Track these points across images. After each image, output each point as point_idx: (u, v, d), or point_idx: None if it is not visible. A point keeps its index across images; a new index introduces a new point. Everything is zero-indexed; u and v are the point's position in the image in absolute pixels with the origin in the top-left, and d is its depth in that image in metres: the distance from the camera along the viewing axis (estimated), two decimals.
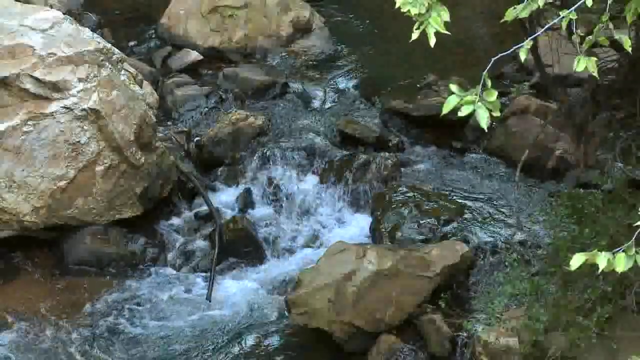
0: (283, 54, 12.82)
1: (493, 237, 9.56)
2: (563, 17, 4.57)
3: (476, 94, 4.42)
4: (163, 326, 9.16)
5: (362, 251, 8.91)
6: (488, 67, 4.46)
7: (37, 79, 9.35)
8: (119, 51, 10.07)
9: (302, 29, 13.13)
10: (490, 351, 7.81)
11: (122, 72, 9.92)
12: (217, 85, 11.97)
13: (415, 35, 4.59)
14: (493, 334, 7.84)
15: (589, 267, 4.47)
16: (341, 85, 12.12)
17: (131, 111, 9.73)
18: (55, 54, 9.44)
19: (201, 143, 10.89)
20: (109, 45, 9.92)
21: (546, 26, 4.83)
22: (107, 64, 9.69)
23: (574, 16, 4.56)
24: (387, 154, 10.68)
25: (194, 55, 12.52)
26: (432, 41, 4.54)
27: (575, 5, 4.55)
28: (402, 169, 10.60)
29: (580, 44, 4.65)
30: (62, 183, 9.52)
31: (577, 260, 4.43)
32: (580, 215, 7.82)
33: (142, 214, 10.00)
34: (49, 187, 9.49)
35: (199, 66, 12.47)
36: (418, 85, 11.75)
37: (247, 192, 10.49)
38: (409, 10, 4.53)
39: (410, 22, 4.61)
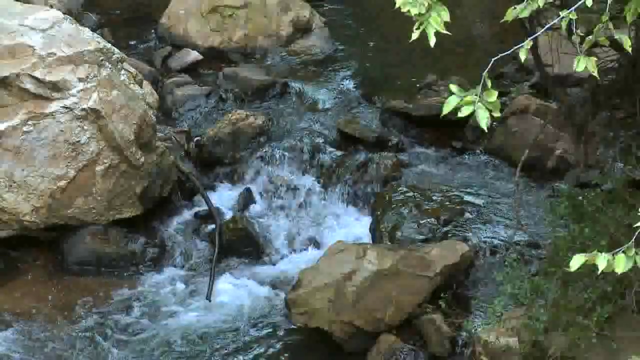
0: (283, 54, 12.83)
1: (493, 237, 9.56)
2: (563, 17, 4.57)
3: (476, 94, 4.42)
4: (163, 326, 9.16)
5: (362, 251, 8.91)
6: (488, 68, 4.46)
7: (37, 78, 9.35)
8: (119, 51, 10.07)
9: (302, 29, 13.13)
10: (490, 351, 7.81)
11: (122, 72, 9.92)
12: (217, 85, 11.97)
13: (415, 35, 4.59)
14: (493, 334, 7.83)
15: (589, 267, 4.46)
16: (341, 85, 12.12)
17: (131, 111, 9.73)
18: (55, 54, 9.44)
19: (201, 143, 10.89)
20: (109, 45, 9.93)
21: (546, 26, 4.82)
22: (107, 63, 9.70)
23: (574, 16, 4.56)
24: (387, 154, 10.68)
25: (194, 55, 12.53)
26: (432, 41, 4.54)
27: (575, 5, 4.55)
28: (402, 169, 10.60)
29: (580, 44, 4.65)
30: (62, 183, 9.52)
31: (576, 261, 4.43)
32: (580, 215, 7.81)
33: (142, 213, 10.00)
34: (48, 187, 9.50)
35: (199, 66, 12.48)
36: (418, 85, 11.75)
37: (247, 192, 10.49)
38: (409, 10, 4.52)
39: (410, 22, 4.61)
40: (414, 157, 10.91)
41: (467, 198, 10.15)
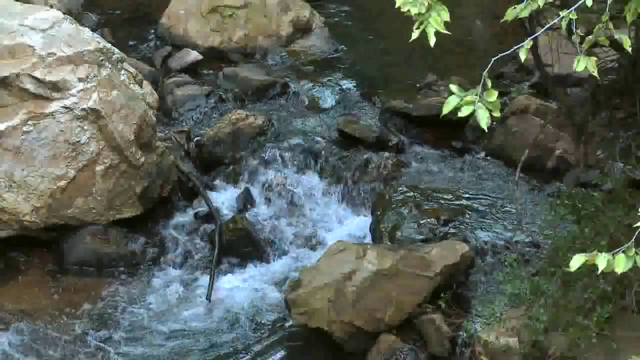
0: (283, 54, 12.82)
1: (493, 237, 9.55)
2: (563, 17, 4.58)
3: (476, 94, 4.42)
4: (163, 326, 9.16)
5: (362, 251, 8.91)
6: (488, 68, 4.46)
7: (37, 78, 9.35)
8: (119, 51, 10.07)
9: (302, 29, 13.13)
10: (490, 351, 7.81)
11: (122, 72, 9.92)
12: (217, 85, 11.96)
13: (415, 35, 4.59)
14: (493, 334, 7.83)
15: (589, 267, 4.46)
16: (341, 85, 12.12)
17: (131, 111, 9.73)
18: (55, 54, 9.44)
19: (201, 143, 10.89)
20: (109, 45, 9.93)
21: (546, 26, 4.83)
22: (107, 63, 9.70)
23: (574, 16, 4.56)
24: (387, 154, 10.68)
25: (194, 55, 12.52)
26: (432, 41, 4.54)
27: (575, 5, 4.55)
28: (402, 169, 10.60)
29: (580, 44, 4.65)
30: (62, 183, 9.52)
31: (576, 261, 4.43)
32: (580, 215, 7.82)
33: (142, 213, 10.00)
34: (48, 187, 9.50)
35: (199, 66, 12.47)
36: (418, 85, 11.75)
37: (247, 192, 10.49)
38: (409, 10, 4.53)
39: (410, 22, 4.61)
40: (414, 157, 10.91)
41: (467, 198, 10.15)
